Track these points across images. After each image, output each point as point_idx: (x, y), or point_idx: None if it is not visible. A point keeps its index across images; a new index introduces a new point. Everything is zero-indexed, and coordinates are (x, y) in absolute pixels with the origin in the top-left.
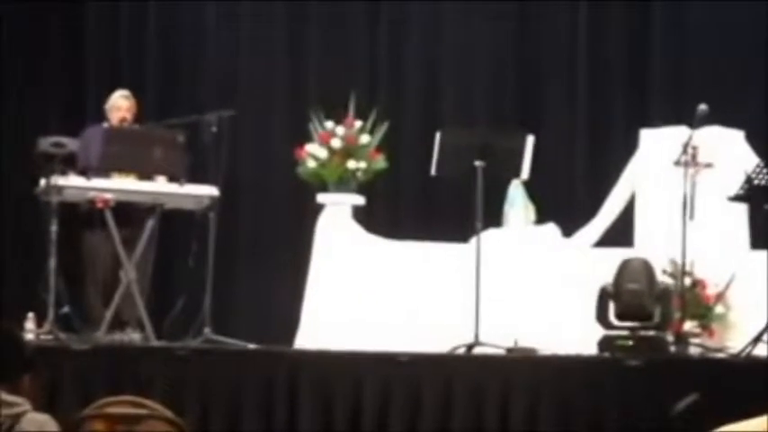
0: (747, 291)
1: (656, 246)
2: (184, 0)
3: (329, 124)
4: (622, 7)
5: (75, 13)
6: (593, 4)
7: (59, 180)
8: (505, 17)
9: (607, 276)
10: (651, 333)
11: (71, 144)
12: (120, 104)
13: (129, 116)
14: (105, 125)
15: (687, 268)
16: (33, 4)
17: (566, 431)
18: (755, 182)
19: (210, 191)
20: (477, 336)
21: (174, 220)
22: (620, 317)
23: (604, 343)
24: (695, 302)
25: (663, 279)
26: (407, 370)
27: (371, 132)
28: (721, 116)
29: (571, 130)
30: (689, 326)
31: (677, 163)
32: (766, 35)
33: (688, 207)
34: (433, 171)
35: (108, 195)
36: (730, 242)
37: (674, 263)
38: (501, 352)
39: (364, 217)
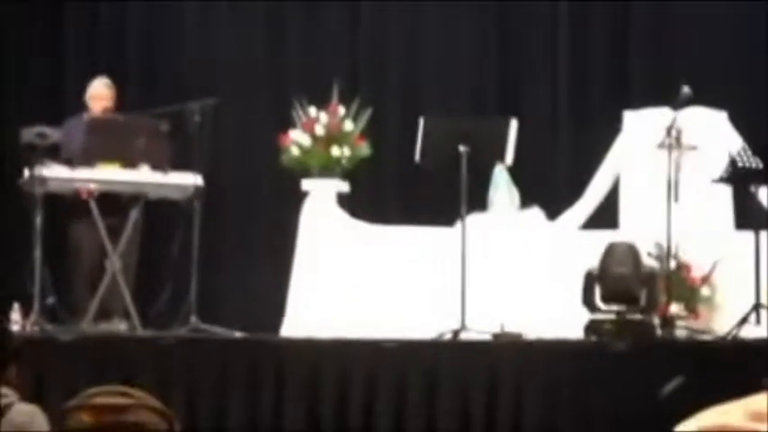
0: (732, 273)
1: (640, 228)
2: None
3: (312, 111)
4: None
5: (55, 3)
6: None
7: (43, 171)
8: (487, 4)
9: (593, 260)
10: (637, 316)
11: (54, 134)
12: (102, 93)
13: (110, 105)
14: (86, 115)
15: (672, 251)
16: None
17: (553, 416)
18: (740, 164)
19: (195, 179)
20: (463, 321)
21: (159, 210)
22: (605, 300)
23: (591, 327)
24: (681, 285)
25: (648, 262)
26: (394, 356)
27: (355, 119)
28: (704, 98)
29: (554, 113)
30: (675, 309)
31: (661, 145)
32: (748, 20)
33: (672, 189)
34: (417, 159)
35: (92, 185)
36: (715, 224)
37: (659, 246)
38: (487, 337)
39: (349, 203)
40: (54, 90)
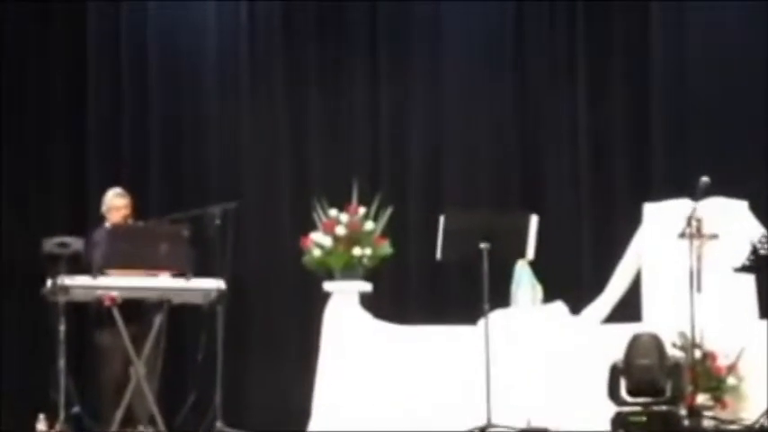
0: (759, 361)
1: (664, 319)
2: (185, 96)
3: (333, 212)
4: (620, 82)
5: (77, 114)
6: (592, 80)
7: (66, 280)
8: (505, 98)
9: (617, 352)
10: (664, 408)
11: (75, 243)
12: (119, 203)
13: (128, 212)
14: (108, 225)
15: (697, 341)
16: (35, 101)
17: None
18: (761, 252)
19: (218, 284)
20: (489, 418)
21: (182, 315)
22: (631, 393)
23: (617, 420)
24: (707, 375)
25: (673, 352)
26: None
27: (375, 218)
28: (724, 187)
29: (574, 207)
30: (701, 399)
31: (682, 235)
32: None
33: (695, 279)
34: (438, 256)
35: (114, 293)
36: (739, 313)
37: (683, 336)
38: None
39: (372, 303)
40: (77, 201)
